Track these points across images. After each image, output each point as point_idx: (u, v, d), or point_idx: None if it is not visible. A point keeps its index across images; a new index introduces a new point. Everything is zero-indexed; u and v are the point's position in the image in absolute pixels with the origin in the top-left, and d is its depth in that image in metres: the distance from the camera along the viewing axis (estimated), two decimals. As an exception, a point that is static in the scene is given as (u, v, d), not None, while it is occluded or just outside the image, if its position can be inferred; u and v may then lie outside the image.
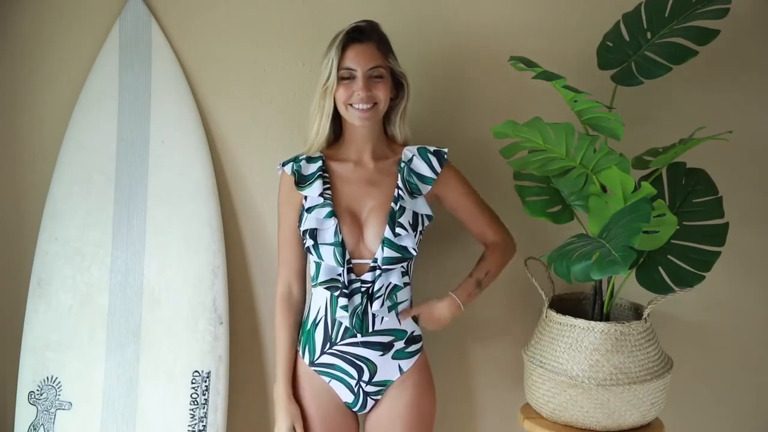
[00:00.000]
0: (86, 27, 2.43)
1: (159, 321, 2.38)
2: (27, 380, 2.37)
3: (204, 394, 2.37)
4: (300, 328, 2.25)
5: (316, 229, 2.15)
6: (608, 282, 2.24)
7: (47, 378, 2.37)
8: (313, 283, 2.21)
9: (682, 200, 2.24)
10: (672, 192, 2.25)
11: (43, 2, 2.43)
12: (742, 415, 2.60)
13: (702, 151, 2.18)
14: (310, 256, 2.19)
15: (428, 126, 2.43)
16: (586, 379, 2.14)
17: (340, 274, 2.13)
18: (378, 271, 2.14)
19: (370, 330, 2.17)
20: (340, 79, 2.12)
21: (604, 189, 2.15)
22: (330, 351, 2.18)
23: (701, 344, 2.55)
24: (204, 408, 2.37)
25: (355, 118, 2.14)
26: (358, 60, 2.11)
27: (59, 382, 2.37)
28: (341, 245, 2.13)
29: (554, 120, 2.11)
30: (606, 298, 2.25)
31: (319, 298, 2.20)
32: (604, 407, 2.15)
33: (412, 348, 2.22)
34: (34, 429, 2.36)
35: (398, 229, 2.14)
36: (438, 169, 2.21)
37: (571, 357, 2.16)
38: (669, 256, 2.18)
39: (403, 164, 2.20)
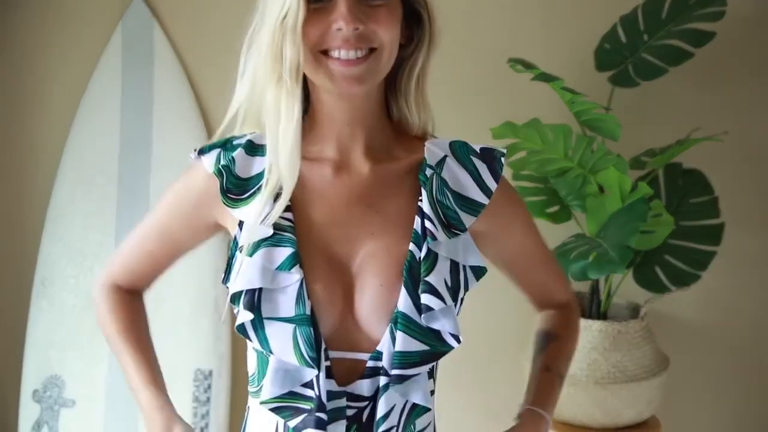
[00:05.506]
0: (89, 28, 2.44)
1: (161, 320, 2.39)
2: (31, 378, 2.38)
3: (206, 393, 2.38)
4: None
5: (262, 289, 1.09)
6: (605, 281, 2.26)
7: (51, 376, 2.38)
8: (252, 391, 1.17)
9: (678, 200, 2.25)
10: (668, 192, 2.26)
11: (46, 4, 2.43)
12: (737, 413, 2.62)
13: (698, 152, 2.20)
14: (249, 342, 1.13)
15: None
16: (584, 377, 2.15)
17: (308, 384, 1.09)
18: (385, 379, 1.11)
19: None
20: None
21: (601, 189, 2.16)
22: None
23: (697, 343, 2.56)
24: (206, 406, 2.38)
25: (336, 76, 1.09)
26: None
27: (63, 381, 2.38)
28: (310, 323, 1.08)
29: (552, 121, 2.12)
30: (603, 297, 2.26)
31: (263, 422, 1.16)
32: (602, 405, 2.16)
33: None
34: (38, 426, 2.37)
35: (426, 297, 1.10)
36: (492, 184, 1.20)
37: (569, 355, 2.18)
38: (665, 256, 2.19)
39: (429, 170, 1.17)
